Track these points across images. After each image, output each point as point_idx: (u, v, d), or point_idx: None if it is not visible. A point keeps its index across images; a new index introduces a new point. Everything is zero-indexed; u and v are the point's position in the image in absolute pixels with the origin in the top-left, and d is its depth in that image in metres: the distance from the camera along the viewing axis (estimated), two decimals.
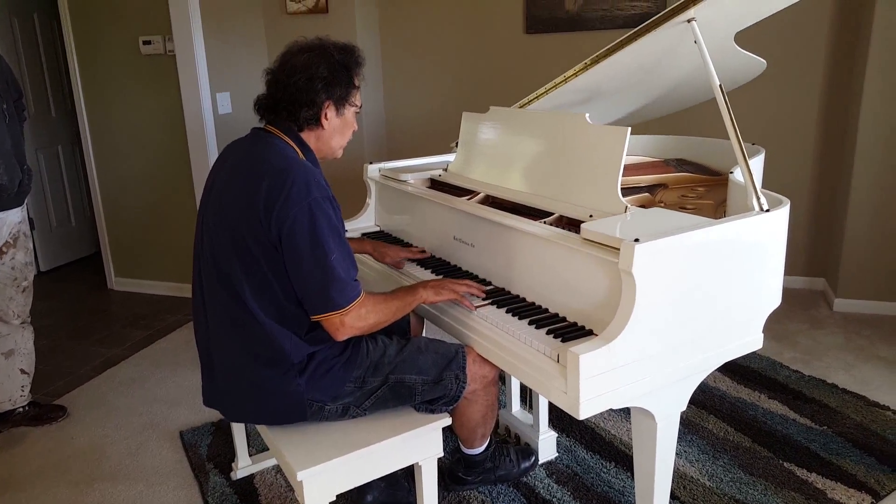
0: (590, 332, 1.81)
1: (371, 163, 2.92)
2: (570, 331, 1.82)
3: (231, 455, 2.74)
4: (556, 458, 2.68)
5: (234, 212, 1.84)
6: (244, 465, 2.65)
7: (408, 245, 2.68)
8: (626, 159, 2.02)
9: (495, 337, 1.91)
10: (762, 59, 2.71)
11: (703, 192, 2.64)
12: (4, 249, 2.85)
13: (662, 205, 2.44)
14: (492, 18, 4.56)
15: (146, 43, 4.28)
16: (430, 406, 2.02)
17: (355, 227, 2.92)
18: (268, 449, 2.74)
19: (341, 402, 1.94)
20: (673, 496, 2.40)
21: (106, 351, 3.90)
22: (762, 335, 1.99)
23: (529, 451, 2.61)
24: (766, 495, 2.44)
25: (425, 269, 2.42)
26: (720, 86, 2.08)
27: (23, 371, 3.03)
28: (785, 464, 2.61)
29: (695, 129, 3.78)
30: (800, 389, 3.14)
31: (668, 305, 1.71)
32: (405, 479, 2.42)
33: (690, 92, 2.86)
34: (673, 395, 1.87)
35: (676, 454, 2.46)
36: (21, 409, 3.07)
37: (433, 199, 2.48)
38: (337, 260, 1.80)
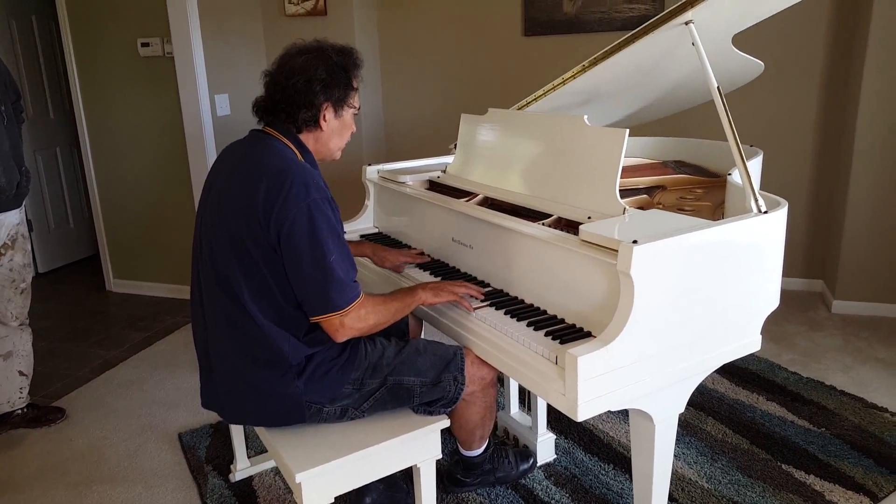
0: (588, 334, 1.81)
1: (370, 164, 2.92)
2: (568, 332, 1.82)
3: (230, 457, 2.74)
4: (554, 459, 2.68)
5: (233, 213, 1.84)
6: (243, 467, 2.65)
7: (406, 247, 2.69)
8: (624, 161, 2.02)
9: (494, 339, 1.91)
10: (760, 62, 2.71)
11: (701, 193, 2.64)
12: (3, 251, 2.85)
13: (661, 206, 2.44)
14: (490, 20, 4.56)
15: (144, 45, 4.28)
16: (428, 408, 2.02)
17: (354, 228, 2.92)
18: (266, 451, 2.74)
19: (340, 403, 1.94)
20: (671, 498, 2.40)
21: (104, 353, 3.90)
22: (760, 337, 1.99)
23: (528, 452, 2.61)
24: (764, 497, 2.44)
25: (423, 271, 2.42)
26: (718, 88, 2.08)
27: (21, 373, 3.02)
28: (783, 466, 2.61)
29: (693, 130, 3.78)
30: (798, 391, 3.14)
31: (667, 307, 1.71)
32: (404, 480, 2.42)
33: (688, 94, 2.87)
34: (671, 397, 1.87)
35: (675, 456, 2.46)
36: (19, 411, 3.06)
37: (432, 201, 2.49)
38: (336, 261, 1.80)
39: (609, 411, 1.73)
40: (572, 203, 2.11)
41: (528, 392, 2.87)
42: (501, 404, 2.94)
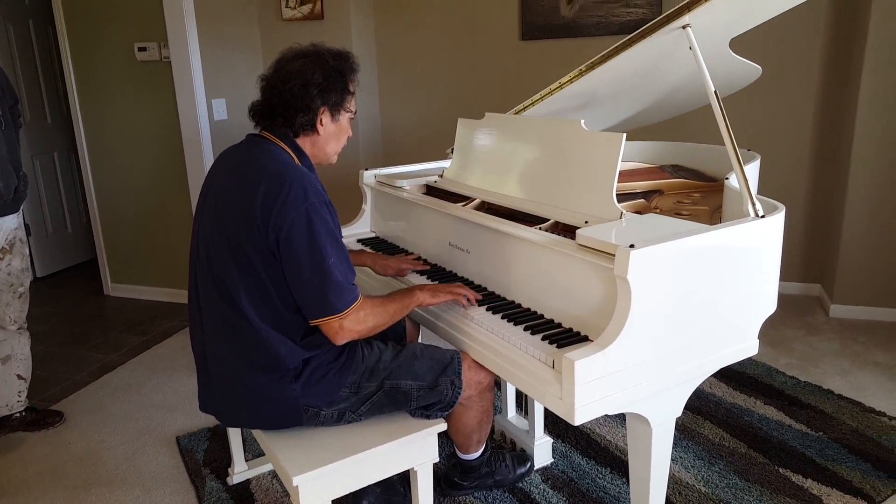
0: (585, 338, 1.81)
1: (367, 169, 2.93)
2: (565, 336, 1.82)
3: (227, 460, 2.74)
4: (551, 463, 2.68)
5: (231, 217, 1.84)
6: (240, 471, 2.65)
7: (404, 252, 2.69)
8: (621, 165, 2.03)
9: (491, 343, 1.91)
10: (757, 66, 2.72)
11: (698, 198, 2.65)
12: (1, 255, 2.85)
13: (658, 211, 2.44)
14: (487, 25, 4.57)
15: (142, 49, 4.29)
16: (425, 412, 2.02)
17: (351, 233, 2.92)
18: (264, 454, 2.74)
19: (337, 407, 1.94)
20: (668, 502, 2.40)
21: (102, 356, 3.90)
22: (758, 341, 1.99)
23: (525, 456, 2.61)
24: (761, 501, 2.44)
25: (421, 275, 2.42)
26: (715, 92, 2.08)
27: (19, 376, 3.02)
28: (781, 470, 2.61)
29: (690, 135, 3.80)
30: (796, 395, 3.14)
31: (663, 311, 1.71)
32: (401, 484, 2.42)
33: (686, 98, 2.87)
34: (668, 401, 1.87)
35: (672, 460, 2.46)
36: (18, 415, 3.06)
37: (429, 206, 2.49)
38: (335, 264, 1.81)
39: (606, 415, 1.73)
40: (569, 207, 2.11)
41: (525, 396, 2.87)
42: (498, 408, 2.95)
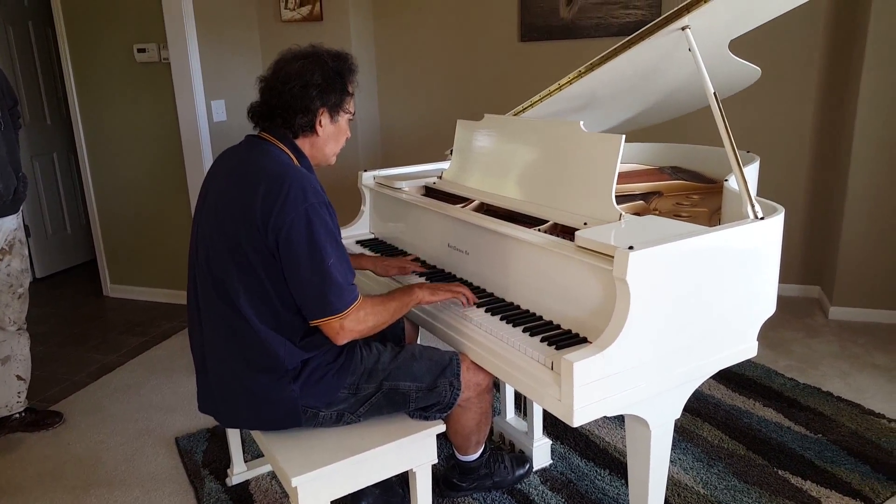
0: (584, 340, 1.81)
1: (366, 170, 2.93)
2: (564, 338, 1.82)
3: (226, 461, 2.74)
4: (550, 465, 2.68)
5: (230, 218, 1.84)
6: (239, 472, 2.65)
7: (402, 253, 2.69)
8: (620, 167, 2.03)
9: (489, 344, 1.91)
10: (757, 67, 2.72)
11: (697, 199, 2.65)
12: (0, 256, 2.85)
13: (657, 212, 2.44)
14: (486, 26, 4.57)
15: (141, 51, 4.29)
16: (424, 413, 2.02)
17: (350, 234, 2.92)
18: (263, 455, 2.74)
19: (336, 408, 1.94)
20: (667, 503, 2.40)
21: (101, 357, 3.90)
22: (757, 343, 1.99)
23: (524, 458, 2.61)
24: (760, 503, 2.44)
25: (420, 277, 2.42)
26: (714, 93, 2.08)
27: (19, 377, 3.02)
28: (779, 472, 2.61)
29: (689, 136, 3.80)
30: (795, 397, 3.14)
31: (662, 313, 1.71)
32: (399, 485, 2.41)
33: (685, 99, 2.87)
34: (667, 403, 1.87)
35: (671, 462, 2.46)
36: (17, 415, 3.06)
37: (428, 207, 2.49)
38: (334, 265, 1.81)
39: (605, 417, 1.73)
40: (568, 209, 2.11)
41: (524, 397, 2.87)
42: (497, 409, 2.94)
